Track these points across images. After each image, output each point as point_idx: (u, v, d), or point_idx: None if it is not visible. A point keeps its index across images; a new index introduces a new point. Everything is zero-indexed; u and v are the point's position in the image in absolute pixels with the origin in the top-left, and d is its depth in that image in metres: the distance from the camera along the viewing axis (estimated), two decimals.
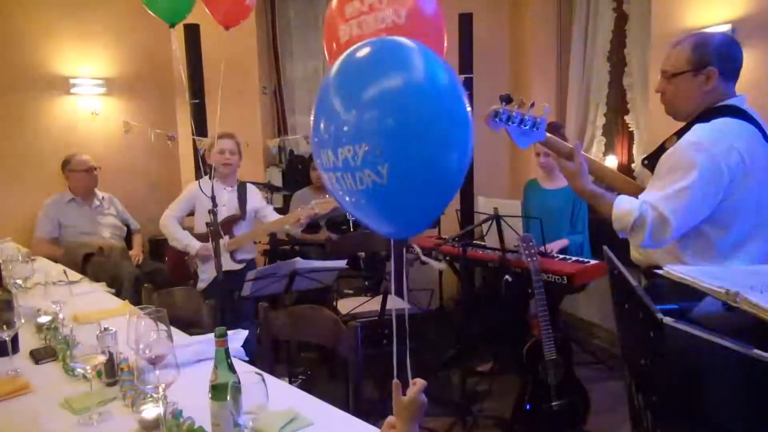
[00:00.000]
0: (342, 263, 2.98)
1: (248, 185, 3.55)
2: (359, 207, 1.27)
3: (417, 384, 1.19)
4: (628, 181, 2.06)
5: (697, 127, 1.75)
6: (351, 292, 3.85)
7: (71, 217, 4.00)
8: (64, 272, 2.48)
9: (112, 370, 1.63)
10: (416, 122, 1.16)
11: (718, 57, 1.76)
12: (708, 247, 1.75)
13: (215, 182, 3.39)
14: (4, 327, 1.72)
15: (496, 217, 3.03)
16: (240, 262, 3.37)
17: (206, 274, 3.33)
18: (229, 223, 3.40)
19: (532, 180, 3.71)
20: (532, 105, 1.87)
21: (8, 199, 4.17)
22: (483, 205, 3.22)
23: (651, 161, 1.87)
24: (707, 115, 1.77)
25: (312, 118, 1.27)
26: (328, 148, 1.21)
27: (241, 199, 3.43)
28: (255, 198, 3.52)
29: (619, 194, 1.85)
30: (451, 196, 1.33)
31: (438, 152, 1.20)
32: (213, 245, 2.67)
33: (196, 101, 4.04)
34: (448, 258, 3.57)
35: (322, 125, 1.23)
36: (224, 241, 3.31)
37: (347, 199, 1.26)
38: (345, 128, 1.18)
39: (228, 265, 3.29)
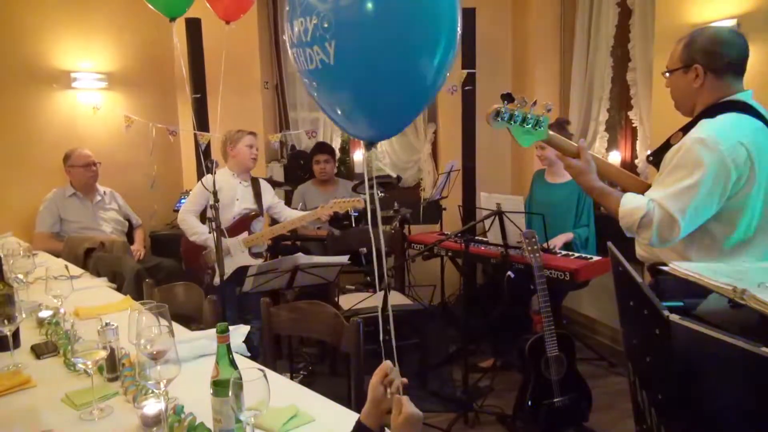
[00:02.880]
0: (344, 259, 2.98)
1: (261, 181, 3.57)
2: (317, 93, 1.19)
3: (404, 401, 1.14)
4: (633, 178, 2.04)
5: (704, 123, 1.74)
6: (352, 287, 3.85)
7: (72, 212, 3.99)
8: (66, 267, 2.47)
9: (113, 366, 1.62)
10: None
11: (702, 54, 1.77)
12: (713, 244, 1.74)
13: (232, 176, 3.42)
14: (6, 322, 1.72)
15: (499, 213, 3.02)
16: (257, 256, 3.40)
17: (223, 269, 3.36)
18: (248, 220, 3.42)
19: (539, 171, 3.70)
20: (534, 103, 1.86)
21: (9, 194, 4.16)
22: (485, 200, 3.21)
23: (656, 157, 1.86)
24: (713, 110, 1.76)
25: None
26: (286, 21, 1.17)
27: (256, 195, 3.45)
28: (268, 194, 3.55)
29: (625, 191, 1.84)
30: (417, 102, 1.19)
31: (401, 41, 1.06)
32: (215, 240, 2.67)
33: (198, 96, 4.03)
34: (450, 254, 3.56)
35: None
36: (242, 237, 3.33)
37: (306, 81, 1.20)
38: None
39: (245, 260, 3.31)
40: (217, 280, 3.30)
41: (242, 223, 3.40)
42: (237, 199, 3.41)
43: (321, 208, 3.27)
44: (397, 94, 1.15)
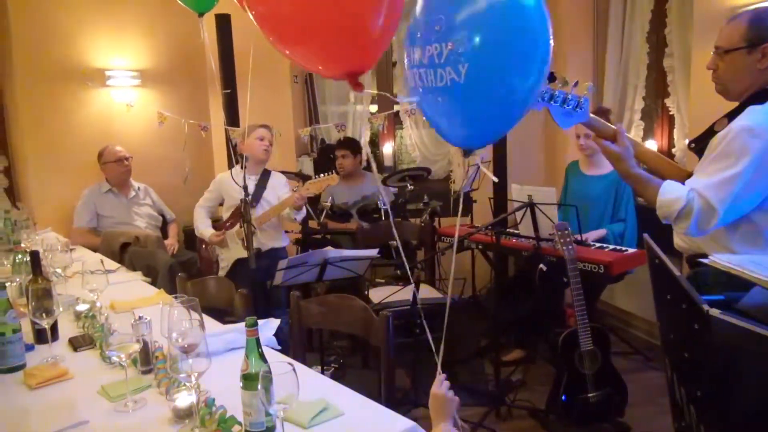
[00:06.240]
0: (373, 252, 2.97)
1: (273, 173, 3.58)
2: (436, 106, 1.40)
3: (440, 381, 1.33)
4: (672, 165, 1.98)
5: (751, 110, 1.66)
6: (383, 281, 3.84)
7: (108, 208, 4.09)
8: (101, 261, 2.53)
9: (146, 359, 1.65)
10: (498, 33, 1.31)
11: None
12: (757, 234, 1.67)
13: (241, 172, 3.43)
14: (44, 315, 1.76)
15: (531, 205, 2.97)
16: (255, 248, 3.40)
17: (225, 262, 3.46)
18: (239, 210, 3.44)
19: (573, 162, 3.60)
20: (576, 84, 1.81)
21: (49, 190, 4.28)
22: (517, 192, 3.16)
23: (699, 144, 1.79)
24: (761, 96, 1.68)
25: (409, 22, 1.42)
26: (416, 46, 1.36)
27: (258, 186, 3.47)
28: (279, 184, 3.55)
29: (663, 179, 1.77)
30: (518, 113, 1.41)
31: (513, 64, 1.33)
32: (245, 232, 2.69)
33: (228, 91, 4.06)
34: (480, 247, 3.52)
35: (412, 25, 1.40)
36: (236, 229, 3.37)
37: (428, 96, 1.39)
38: (435, 27, 1.32)
39: (242, 252, 3.33)
40: (220, 273, 3.39)
41: (236, 215, 3.42)
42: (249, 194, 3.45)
43: (296, 191, 3.30)
44: (504, 108, 1.40)
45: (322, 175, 3.29)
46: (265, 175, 3.53)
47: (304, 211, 3.41)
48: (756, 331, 0.93)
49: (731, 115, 1.72)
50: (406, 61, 1.43)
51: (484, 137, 1.45)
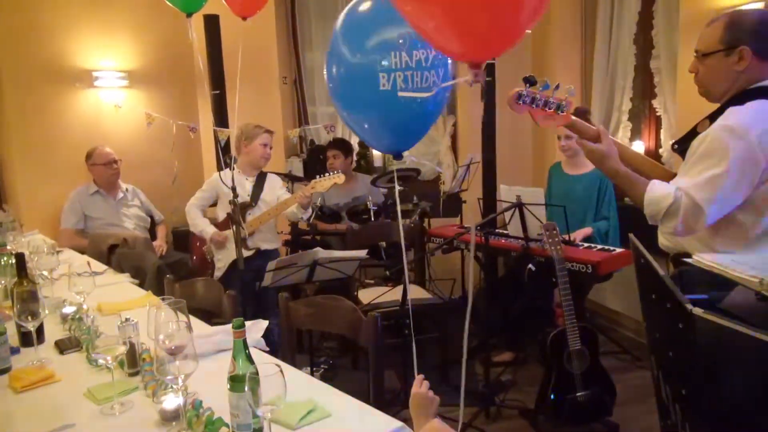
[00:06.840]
0: (362, 253, 2.97)
1: (269, 175, 3.57)
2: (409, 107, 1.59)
3: (420, 382, 1.40)
4: (657, 166, 2.00)
5: (732, 111, 1.68)
6: (372, 282, 3.84)
7: (96, 209, 4.05)
8: (88, 263, 2.51)
9: (133, 361, 1.64)
10: None
11: (752, 35, 1.68)
12: (740, 233, 1.69)
13: (237, 173, 3.42)
14: (29, 318, 1.75)
15: (519, 205, 2.99)
16: (253, 248, 3.38)
17: (222, 263, 3.42)
18: (241, 210, 3.43)
19: (556, 164, 3.64)
20: (557, 87, 1.83)
21: (35, 192, 4.25)
22: (505, 193, 3.18)
23: (682, 146, 1.81)
24: (742, 97, 1.70)
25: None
26: (398, 50, 1.53)
27: (256, 187, 3.46)
28: (275, 186, 3.54)
29: (650, 179, 1.79)
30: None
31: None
32: (234, 234, 2.68)
33: (217, 92, 4.04)
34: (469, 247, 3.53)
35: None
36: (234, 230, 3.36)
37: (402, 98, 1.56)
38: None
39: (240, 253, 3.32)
40: (216, 274, 3.36)
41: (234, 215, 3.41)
42: (247, 195, 3.43)
43: (301, 190, 3.29)
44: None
45: (327, 174, 3.29)
46: (261, 177, 3.52)
47: (310, 210, 3.40)
48: (739, 330, 0.94)
49: (713, 117, 1.74)
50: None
51: (416, 138, 1.72)
